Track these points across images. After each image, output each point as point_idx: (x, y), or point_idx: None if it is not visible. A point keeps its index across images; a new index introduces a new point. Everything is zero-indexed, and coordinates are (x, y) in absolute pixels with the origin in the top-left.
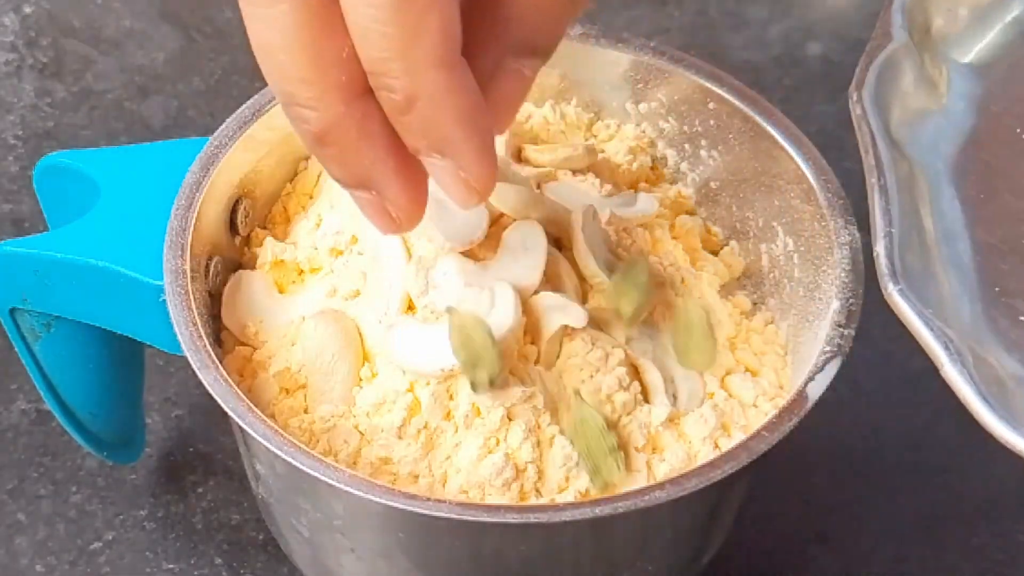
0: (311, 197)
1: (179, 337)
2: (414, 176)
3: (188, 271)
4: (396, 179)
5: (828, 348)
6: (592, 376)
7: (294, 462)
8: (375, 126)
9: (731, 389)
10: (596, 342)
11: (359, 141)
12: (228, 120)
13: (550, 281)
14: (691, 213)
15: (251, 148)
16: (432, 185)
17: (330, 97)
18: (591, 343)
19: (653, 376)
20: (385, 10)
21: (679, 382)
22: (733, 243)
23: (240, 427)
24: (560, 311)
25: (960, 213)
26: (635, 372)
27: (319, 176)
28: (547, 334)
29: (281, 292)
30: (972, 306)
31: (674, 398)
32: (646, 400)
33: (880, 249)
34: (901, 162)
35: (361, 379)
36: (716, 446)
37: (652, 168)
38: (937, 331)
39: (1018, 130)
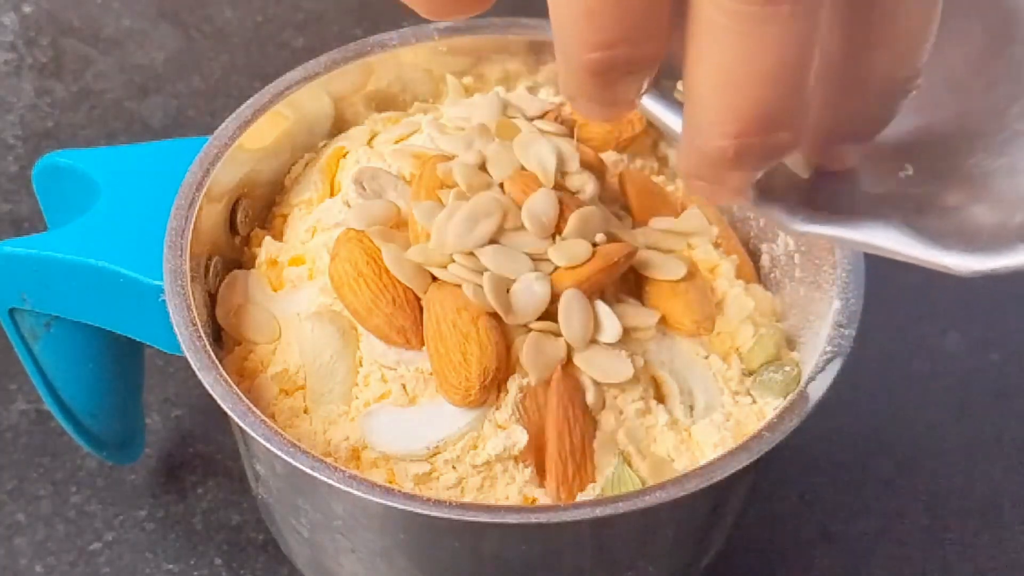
0: (309, 196)
1: (179, 337)
2: None
3: (188, 271)
4: None
5: (829, 348)
6: (609, 386)
7: (294, 462)
8: None
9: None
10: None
11: None
12: (228, 120)
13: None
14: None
15: (251, 148)
16: None
17: None
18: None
19: (672, 387)
20: None
21: (696, 393)
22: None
23: (240, 428)
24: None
25: None
26: (653, 380)
27: (317, 176)
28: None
29: (276, 291)
30: None
31: (691, 409)
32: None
33: None
34: None
35: (359, 381)
36: None
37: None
38: None
39: None
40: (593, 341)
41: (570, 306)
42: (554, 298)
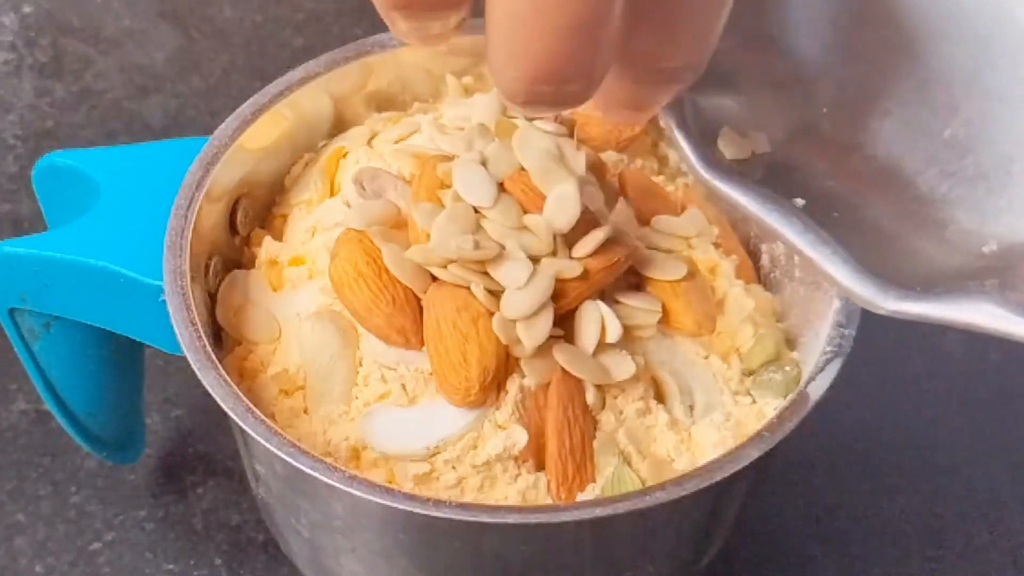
0: (309, 196)
1: (178, 337)
2: None
3: (188, 271)
4: None
5: (829, 348)
6: (609, 386)
7: (294, 462)
8: None
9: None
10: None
11: None
12: (228, 120)
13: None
14: None
15: (251, 148)
16: None
17: None
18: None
19: (672, 387)
20: None
21: (696, 393)
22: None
23: (240, 428)
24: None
25: None
26: (652, 380)
27: (317, 176)
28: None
29: (276, 291)
30: None
31: (691, 409)
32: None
33: None
34: None
35: (359, 381)
36: None
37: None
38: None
39: None
40: None
41: (585, 317)
42: (555, 300)
